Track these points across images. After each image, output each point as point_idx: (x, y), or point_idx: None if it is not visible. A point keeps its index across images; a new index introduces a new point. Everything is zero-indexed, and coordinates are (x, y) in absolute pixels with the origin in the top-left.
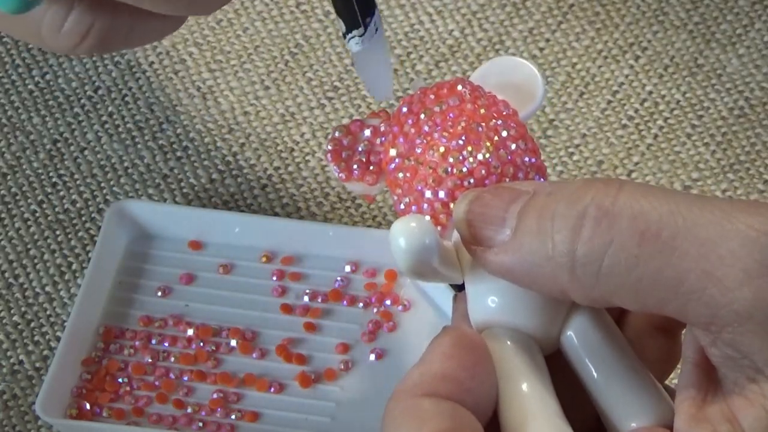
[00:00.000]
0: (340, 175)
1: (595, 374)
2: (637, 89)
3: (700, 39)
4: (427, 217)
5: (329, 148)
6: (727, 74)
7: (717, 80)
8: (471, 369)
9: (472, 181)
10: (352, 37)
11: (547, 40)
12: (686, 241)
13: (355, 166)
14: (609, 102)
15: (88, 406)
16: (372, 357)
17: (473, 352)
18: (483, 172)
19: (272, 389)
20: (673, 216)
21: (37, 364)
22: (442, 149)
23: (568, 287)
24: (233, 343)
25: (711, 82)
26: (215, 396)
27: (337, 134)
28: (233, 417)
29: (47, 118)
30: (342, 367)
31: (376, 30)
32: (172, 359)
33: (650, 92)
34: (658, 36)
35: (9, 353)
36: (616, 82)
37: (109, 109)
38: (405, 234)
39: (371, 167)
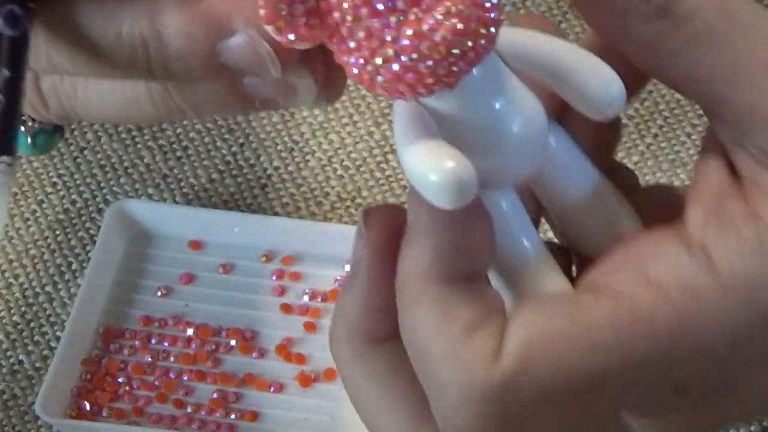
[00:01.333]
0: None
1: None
2: None
3: None
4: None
5: None
6: None
7: None
8: (477, 231)
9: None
10: None
11: None
12: (739, 38)
13: (302, 19)
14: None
15: (87, 406)
16: None
17: (474, 212)
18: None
19: (272, 389)
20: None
21: (37, 364)
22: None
23: None
24: (233, 342)
25: None
26: (215, 396)
27: None
28: (233, 417)
29: None
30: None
31: None
32: (172, 359)
33: (650, 92)
34: None
35: (9, 353)
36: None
37: None
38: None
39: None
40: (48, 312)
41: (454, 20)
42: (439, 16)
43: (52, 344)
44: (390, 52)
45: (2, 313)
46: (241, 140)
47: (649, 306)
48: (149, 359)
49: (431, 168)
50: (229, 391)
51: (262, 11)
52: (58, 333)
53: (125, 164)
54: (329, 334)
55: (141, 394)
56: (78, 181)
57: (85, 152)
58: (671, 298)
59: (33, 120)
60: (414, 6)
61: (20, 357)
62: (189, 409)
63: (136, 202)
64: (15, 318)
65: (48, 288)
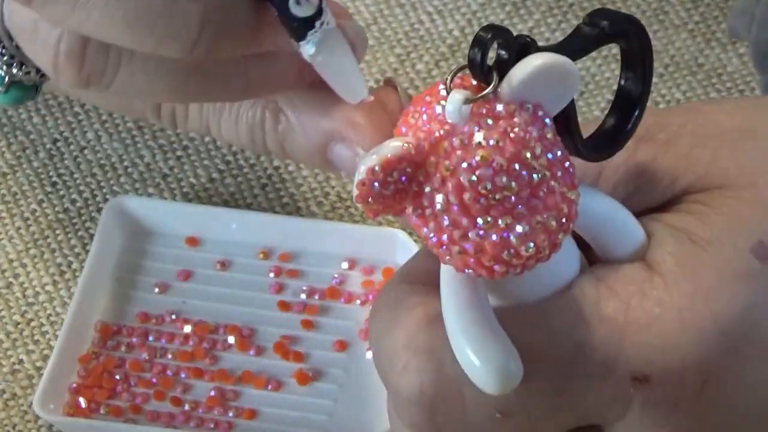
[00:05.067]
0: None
1: None
2: None
3: (701, 38)
4: None
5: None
6: (728, 73)
7: (717, 79)
8: None
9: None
10: (306, 43)
11: (547, 40)
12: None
13: (391, 200)
14: (609, 101)
15: (85, 403)
16: (369, 354)
17: None
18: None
19: (270, 387)
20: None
21: (38, 363)
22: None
23: None
24: (230, 340)
25: (711, 82)
26: (212, 393)
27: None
28: (231, 414)
29: (47, 118)
30: (339, 364)
31: (328, 26)
32: (170, 356)
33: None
34: (659, 35)
35: (9, 352)
36: (617, 81)
37: None
38: None
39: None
40: (48, 311)
41: (543, 236)
42: (528, 229)
43: (52, 343)
44: (470, 248)
45: (2, 313)
46: None
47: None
48: (146, 356)
49: (477, 351)
50: (226, 388)
51: (356, 191)
52: (58, 332)
53: (125, 164)
54: None
55: (138, 391)
56: (78, 181)
57: (85, 152)
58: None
59: (14, 67)
60: (507, 215)
61: (20, 356)
62: (186, 407)
63: (133, 198)
64: (15, 318)
65: (48, 288)
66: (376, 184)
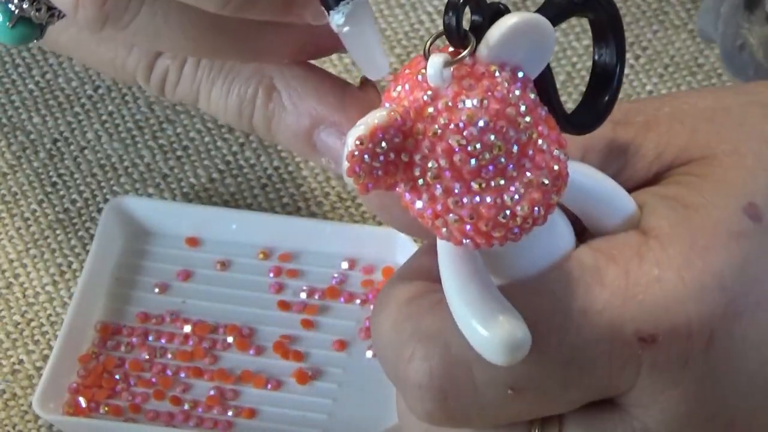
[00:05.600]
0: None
1: None
2: (637, 89)
3: (701, 38)
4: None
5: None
6: (728, 74)
7: (717, 80)
8: None
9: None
10: (336, 13)
11: None
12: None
13: (380, 171)
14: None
15: (84, 403)
16: (369, 354)
17: None
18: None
19: (269, 386)
20: None
21: (38, 364)
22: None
23: None
24: (230, 339)
25: (711, 82)
26: (212, 393)
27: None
28: (230, 414)
29: (47, 118)
30: (339, 364)
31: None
32: (169, 356)
33: (650, 92)
34: (659, 35)
35: (9, 353)
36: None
37: (109, 108)
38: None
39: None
40: (48, 312)
41: (536, 195)
42: (522, 188)
43: (52, 343)
44: (466, 214)
45: (2, 313)
46: (241, 140)
47: None
48: (146, 356)
49: (483, 322)
50: (226, 388)
51: (345, 164)
52: (58, 332)
53: (125, 164)
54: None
55: (138, 391)
56: (78, 181)
57: (86, 152)
58: None
59: (25, 2)
60: (499, 176)
61: (20, 356)
62: (186, 406)
63: (133, 198)
64: (15, 318)
65: (48, 288)
66: (366, 156)
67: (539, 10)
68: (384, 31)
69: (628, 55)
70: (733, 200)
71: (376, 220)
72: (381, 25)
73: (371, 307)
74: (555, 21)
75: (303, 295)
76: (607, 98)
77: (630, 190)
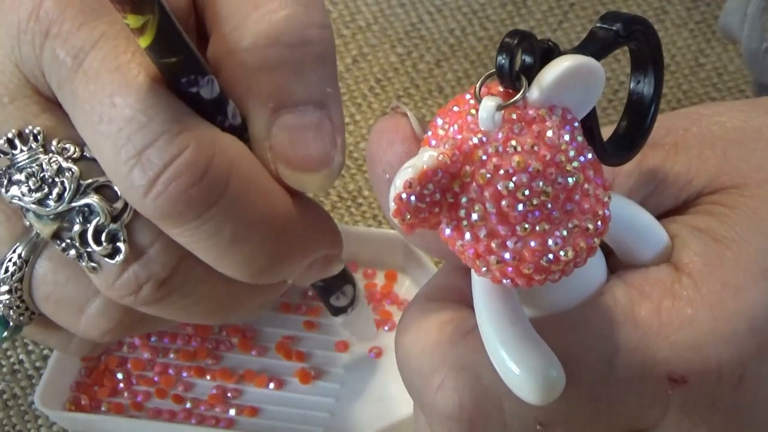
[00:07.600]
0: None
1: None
2: None
3: (701, 38)
4: None
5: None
6: (729, 73)
7: (718, 79)
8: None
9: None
10: (340, 318)
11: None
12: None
13: (427, 213)
14: (610, 101)
15: (86, 401)
16: (371, 355)
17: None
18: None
19: (272, 385)
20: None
21: (37, 364)
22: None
23: None
24: (233, 340)
25: (712, 81)
26: (214, 391)
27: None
28: (232, 412)
29: None
30: (341, 365)
31: (356, 308)
32: (172, 355)
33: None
34: (660, 34)
35: (9, 353)
36: (617, 81)
37: None
38: None
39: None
40: None
41: (581, 240)
42: (566, 233)
43: None
44: (508, 257)
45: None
46: None
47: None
48: (148, 356)
49: (518, 360)
50: (228, 387)
51: (392, 205)
52: None
53: None
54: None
55: (140, 389)
56: None
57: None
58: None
59: (21, 313)
60: (544, 221)
61: (20, 356)
62: (188, 405)
63: None
64: None
65: None
66: (413, 197)
67: (584, 44)
68: (385, 30)
69: (628, 55)
70: (764, 237)
71: (377, 221)
72: (382, 24)
73: (397, 327)
74: (599, 55)
75: (305, 297)
76: (644, 128)
77: (659, 217)
